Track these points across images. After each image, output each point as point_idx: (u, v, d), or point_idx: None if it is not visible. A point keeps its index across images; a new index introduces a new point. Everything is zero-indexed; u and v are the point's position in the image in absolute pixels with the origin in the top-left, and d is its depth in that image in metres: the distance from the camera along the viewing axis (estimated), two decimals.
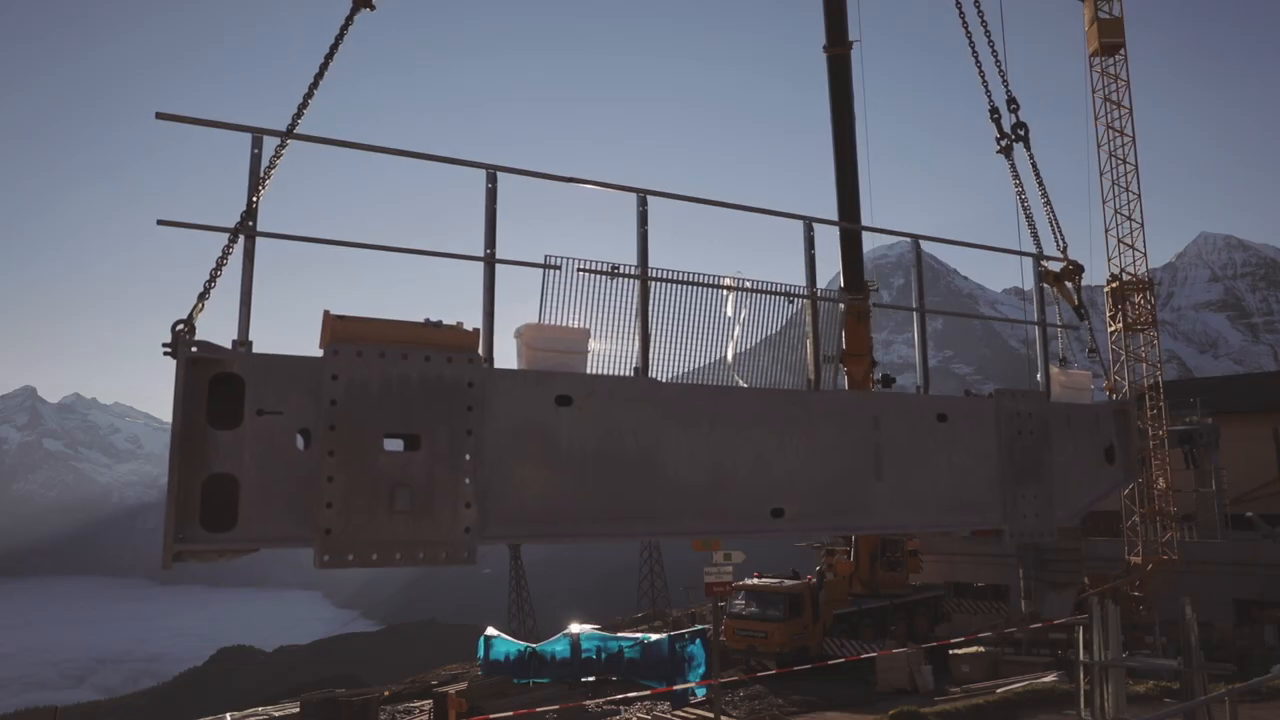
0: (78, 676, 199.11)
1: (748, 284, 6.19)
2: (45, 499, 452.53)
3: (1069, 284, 8.59)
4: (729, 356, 6.08)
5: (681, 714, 18.14)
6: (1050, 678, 19.04)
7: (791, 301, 6.44)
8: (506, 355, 5.35)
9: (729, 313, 6.11)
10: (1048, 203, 8.86)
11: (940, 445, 6.59)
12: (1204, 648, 12.98)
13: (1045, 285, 7.92)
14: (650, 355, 5.64)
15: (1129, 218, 25.18)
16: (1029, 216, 8.71)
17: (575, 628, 21.72)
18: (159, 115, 4.57)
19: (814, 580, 25.77)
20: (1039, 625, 22.87)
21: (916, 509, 6.45)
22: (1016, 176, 8.83)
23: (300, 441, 4.53)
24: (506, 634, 22.36)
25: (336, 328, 4.64)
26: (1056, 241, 8.67)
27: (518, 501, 4.98)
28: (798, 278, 6.49)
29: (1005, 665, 21.89)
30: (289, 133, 4.95)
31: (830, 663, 21.99)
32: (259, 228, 4.71)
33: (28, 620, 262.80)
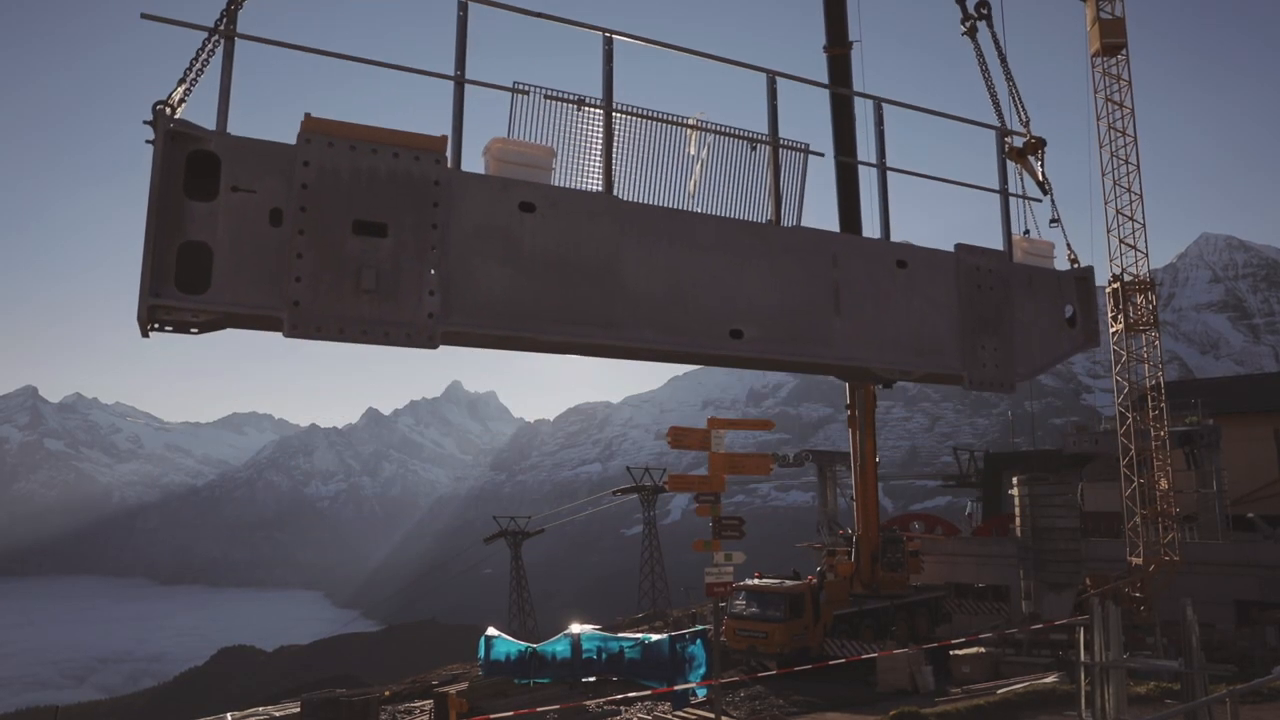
0: (78, 676, 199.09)
1: (711, 126, 6.31)
2: (46, 498, 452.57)
3: (1032, 158, 8.79)
4: (690, 187, 6.23)
5: (682, 714, 18.13)
6: (1051, 679, 19.03)
7: (754, 148, 6.49)
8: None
9: (691, 151, 6.25)
10: (1010, 79, 9.07)
11: (900, 290, 6.77)
12: (1205, 649, 12.96)
13: (1010, 160, 8.06)
14: (614, 187, 5.85)
15: (1130, 218, 25.17)
16: (993, 94, 8.89)
17: (576, 628, 21.70)
18: (144, 15, 4.79)
19: (815, 581, 25.77)
20: (1040, 626, 22.86)
21: (876, 348, 6.63)
22: (981, 56, 9.02)
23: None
24: (507, 634, 22.33)
25: (310, 122, 4.95)
26: (1019, 116, 8.86)
27: (480, 297, 5.24)
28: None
29: (1006, 666, 21.87)
30: None
31: (831, 663, 21.98)
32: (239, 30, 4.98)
33: (29, 620, 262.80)
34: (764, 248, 6.30)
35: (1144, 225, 25.21)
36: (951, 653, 22.02)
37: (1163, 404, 25.04)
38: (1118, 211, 25.26)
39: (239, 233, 4.71)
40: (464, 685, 21.69)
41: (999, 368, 7.10)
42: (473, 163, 5.57)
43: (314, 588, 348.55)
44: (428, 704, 20.74)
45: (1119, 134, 25.27)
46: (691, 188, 6.24)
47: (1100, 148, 25.51)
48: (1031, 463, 38.04)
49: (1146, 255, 25.16)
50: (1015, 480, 29.38)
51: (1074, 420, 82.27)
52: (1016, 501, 29.04)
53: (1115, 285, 25.31)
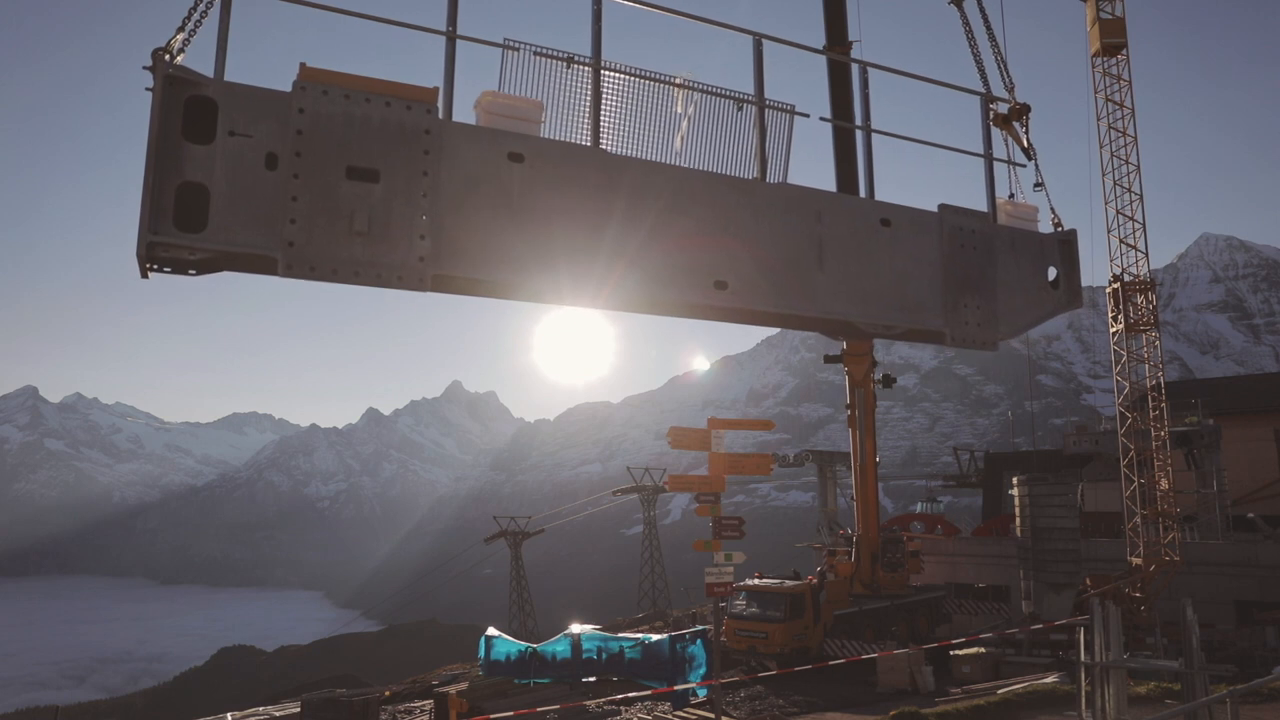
0: (78, 676, 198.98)
1: (698, 85, 6.43)
2: (46, 499, 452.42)
3: (1017, 124, 8.93)
4: (677, 144, 6.35)
5: (682, 714, 18.13)
6: (1051, 679, 19.04)
7: (740, 108, 6.60)
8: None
9: (679, 110, 6.36)
10: (995, 46, 9.18)
11: (883, 247, 6.89)
12: (1205, 649, 12.96)
13: (995, 127, 8.24)
14: (602, 142, 6.01)
15: (1131, 218, 25.15)
16: (978, 61, 8.99)
17: (576, 628, 21.69)
18: None
19: (815, 581, 25.76)
20: (1040, 626, 22.85)
21: (859, 303, 6.77)
22: (968, 25, 9.17)
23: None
24: (507, 634, 22.32)
25: (306, 72, 5.13)
26: (1005, 82, 8.94)
27: (469, 243, 5.41)
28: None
29: (1006, 666, 21.88)
30: None
31: (831, 663, 21.98)
32: None
33: (29, 620, 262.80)
34: (748, 202, 6.43)
35: (1144, 225, 25.19)
36: (952, 653, 22.02)
37: (1163, 404, 25.02)
38: (1118, 211, 25.24)
39: (235, 175, 4.85)
40: (464, 685, 21.70)
41: (981, 326, 7.22)
42: (464, 117, 5.72)
43: (314, 588, 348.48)
44: (428, 704, 20.75)
45: (1119, 134, 25.25)
46: (678, 144, 6.34)
47: (1100, 148, 25.50)
48: (1032, 463, 38.05)
49: (1147, 255, 25.15)
50: (1015, 480, 29.37)
51: (1074, 420, 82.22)
52: (1016, 502, 29.04)
53: (1115, 285, 25.29)
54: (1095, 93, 25.57)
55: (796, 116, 6.67)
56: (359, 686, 38.16)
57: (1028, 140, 8.68)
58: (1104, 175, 25.43)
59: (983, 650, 22.26)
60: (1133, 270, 25.16)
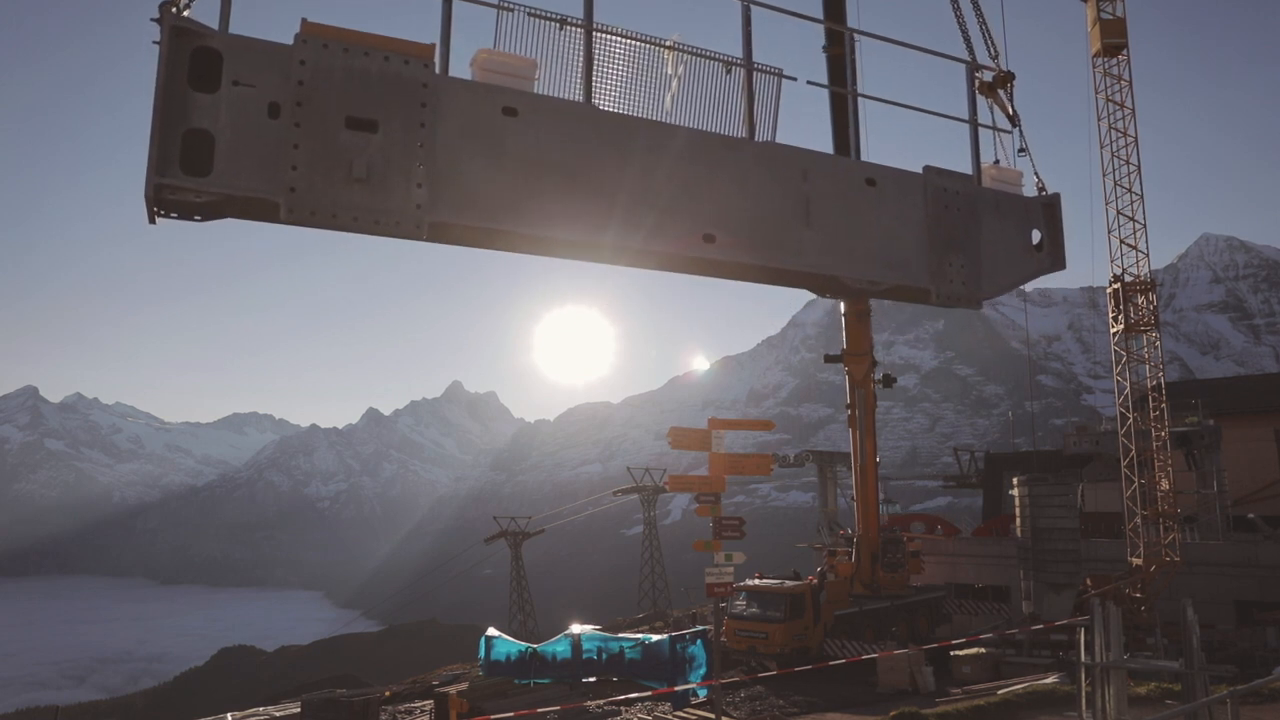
0: (78, 676, 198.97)
1: (688, 48, 6.61)
2: (46, 499, 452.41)
3: (1001, 92, 9.20)
4: (667, 103, 6.53)
5: (682, 714, 18.12)
6: (1051, 679, 19.02)
7: (729, 71, 6.73)
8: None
9: (669, 71, 6.55)
10: (980, 14, 9.45)
11: (869, 206, 7.08)
12: (1205, 649, 12.95)
13: (980, 95, 8.54)
14: (593, 100, 6.22)
15: (1131, 218, 25.15)
16: (964, 30, 9.25)
17: (576, 628, 21.69)
18: None
19: (815, 581, 25.75)
20: (1040, 626, 22.85)
21: (845, 259, 6.96)
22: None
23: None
24: (507, 634, 22.31)
25: (307, 26, 5.31)
26: (989, 51, 9.19)
27: (465, 192, 5.61)
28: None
29: (1006, 666, 21.87)
30: None
31: (831, 663, 21.97)
32: None
33: (29, 620, 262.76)
34: (736, 159, 6.59)
35: (1145, 225, 25.18)
36: (952, 653, 22.01)
37: (1163, 404, 25.01)
38: (1118, 212, 25.23)
39: (239, 123, 5.02)
40: (464, 685, 21.69)
41: (966, 284, 7.39)
42: (460, 74, 5.86)
43: (314, 588, 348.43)
44: (428, 704, 20.74)
45: (1120, 134, 25.24)
46: (668, 104, 6.52)
47: (1101, 148, 25.48)
48: (1032, 463, 38.00)
49: (1147, 256, 25.14)
50: (1015, 481, 29.37)
51: (1075, 421, 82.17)
52: (1016, 502, 29.03)
53: (1116, 286, 25.28)
54: (1096, 93, 25.57)
55: (784, 80, 6.84)
56: (359, 686, 38.15)
57: (1012, 107, 8.98)
58: (1104, 176, 25.43)
59: (983, 650, 22.25)
60: (1133, 270, 25.15)
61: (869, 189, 7.07)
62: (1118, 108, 25.28)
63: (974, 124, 7.92)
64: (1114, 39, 25.15)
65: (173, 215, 5.19)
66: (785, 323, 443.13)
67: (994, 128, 8.43)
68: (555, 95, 6.09)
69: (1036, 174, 8.34)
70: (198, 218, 5.27)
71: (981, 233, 7.50)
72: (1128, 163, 25.17)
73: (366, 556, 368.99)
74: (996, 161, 8.16)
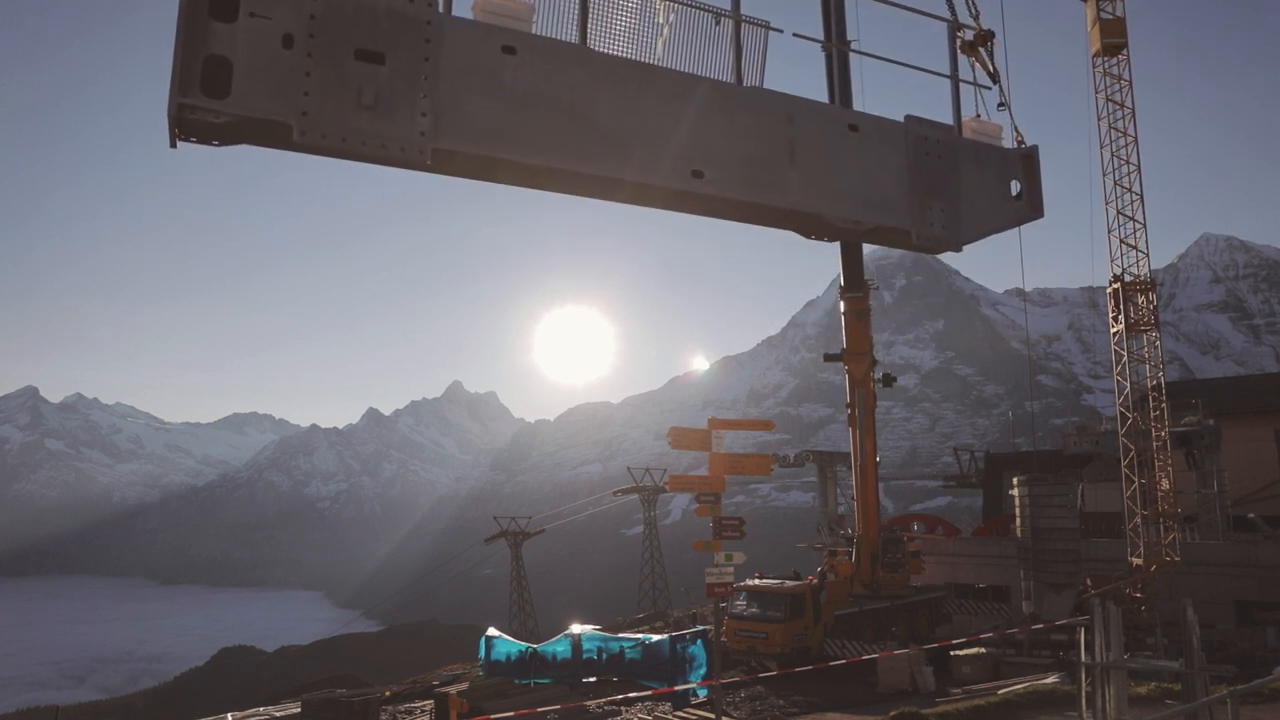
0: (79, 676, 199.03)
1: None
2: (47, 499, 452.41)
3: (983, 50, 9.63)
4: (659, 50, 6.86)
5: (682, 714, 18.12)
6: (1051, 679, 19.02)
7: (718, 22, 6.99)
8: None
9: (660, 19, 6.86)
10: None
11: (852, 150, 7.42)
12: (1205, 649, 12.94)
13: (962, 54, 8.98)
14: (588, 42, 6.60)
15: (1131, 218, 25.14)
16: None
17: (576, 628, 21.69)
18: None
19: (815, 581, 25.74)
20: (1040, 626, 22.84)
21: (829, 199, 7.30)
22: None
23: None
24: (507, 634, 22.31)
25: None
26: (970, 11, 9.50)
27: (466, 123, 5.99)
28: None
29: (1006, 666, 21.87)
30: None
31: (831, 664, 21.96)
32: None
33: (29, 620, 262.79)
34: (723, 100, 6.95)
35: (1145, 225, 25.18)
36: (952, 653, 22.00)
37: (1163, 404, 25.00)
38: (1119, 212, 25.23)
39: (255, 51, 5.36)
40: (464, 685, 21.70)
41: (946, 228, 7.73)
42: (463, 14, 6.18)
43: (314, 588, 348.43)
44: (428, 704, 20.73)
45: (1120, 134, 25.24)
46: (660, 50, 6.87)
47: (1101, 148, 25.47)
48: (1032, 463, 37.98)
49: (1147, 255, 25.13)
50: (1015, 481, 29.36)
51: (1075, 421, 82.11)
52: (1016, 502, 29.02)
53: (1116, 285, 25.28)
54: (1096, 93, 25.56)
55: (771, 32, 7.19)
56: (359, 686, 38.14)
57: (993, 65, 9.39)
58: (1104, 175, 25.42)
59: (983, 650, 22.25)
60: (1133, 270, 25.14)
61: (852, 134, 7.42)
62: (1118, 107, 25.28)
63: (955, 79, 8.32)
64: (1114, 39, 25.15)
65: (193, 139, 5.47)
66: (785, 323, 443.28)
67: (974, 83, 8.82)
68: (551, 37, 6.45)
69: (1016, 128, 8.68)
70: (216, 142, 5.55)
71: (961, 180, 7.82)
72: (1128, 162, 25.16)
73: (366, 556, 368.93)
74: (977, 115, 8.51)
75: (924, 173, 7.59)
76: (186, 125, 5.44)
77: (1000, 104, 9.12)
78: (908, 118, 7.74)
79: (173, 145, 5.46)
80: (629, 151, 6.51)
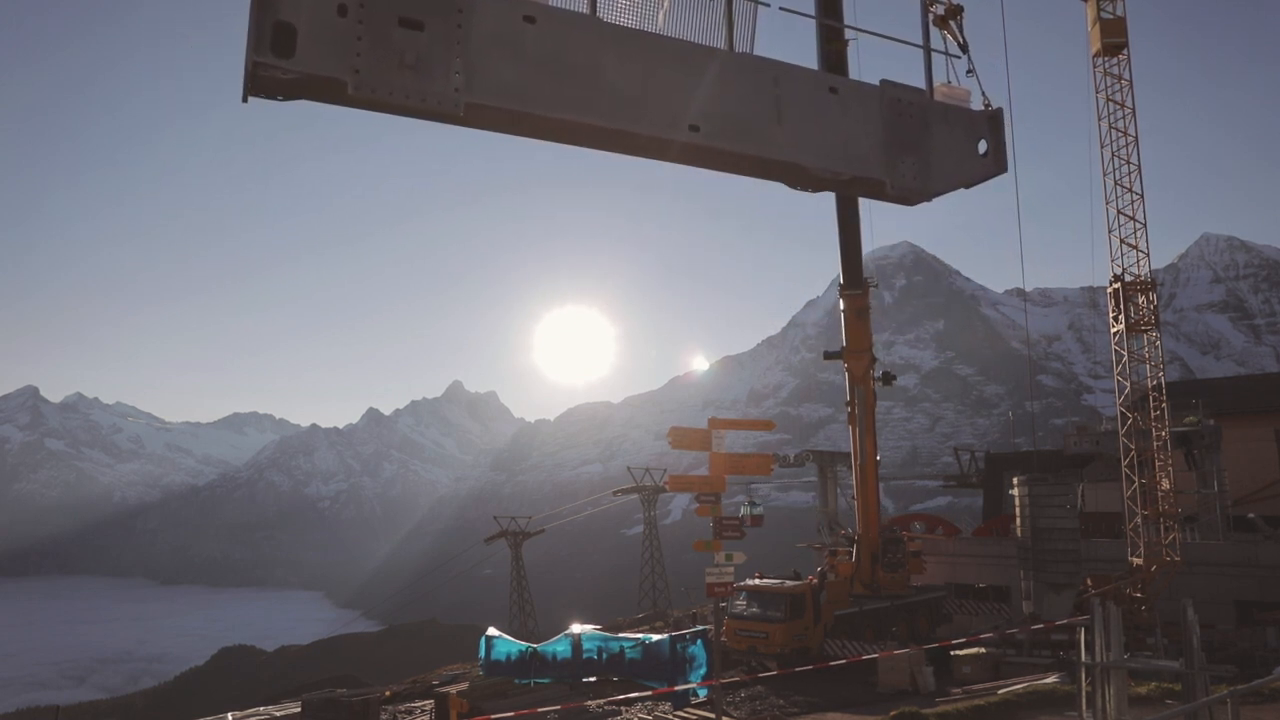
0: (79, 676, 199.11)
1: None
2: (47, 499, 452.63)
3: (954, 23, 10.62)
4: (660, 20, 7.69)
5: (682, 714, 18.13)
6: (1051, 679, 19.03)
7: None
8: None
9: None
10: None
11: (832, 110, 8.29)
12: (1205, 649, 12.95)
13: (935, 27, 9.84)
14: (597, 11, 7.49)
15: (1132, 218, 25.14)
16: None
17: (576, 628, 21.70)
18: None
19: (815, 581, 25.74)
20: (1040, 626, 22.84)
21: (813, 153, 8.17)
22: None
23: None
24: (507, 634, 22.32)
25: None
26: None
27: (494, 82, 6.93)
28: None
29: (1006, 666, 21.87)
30: None
31: (831, 663, 21.96)
32: None
33: (29, 620, 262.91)
34: (716, 63, 7.81)
35: (1145, 225, 25.18)
36: (952, 653, 22.01)
37: (1164, 404, 25.00)
38: (1119, 211, 25.23)
39: (316, 18, 6.33)
40: (464, 685, 21.72)
41: (917, 179, 8.55)
42: None
43: (314, 588, 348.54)
44: (428, 704, 20.74)
45: (1120, 134, 25.24)
46: (661, 20, 7.70)
47: (1101, 148, 25.48)
48: (1032, 463, 37.98)
49: (1148, 255, 25.13)
50: (1015, 481, 29.36)
51: (1075, 421, 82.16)
52: (1017, 502, 29.02)
53: (1116, 285, 25.27)
54: (1096, 93, 25.57)
55: (760, 6, 8.06)
56: (359, 686, 38.15)
57: (963, 37, 10.40)
58: (1105, 175, 25.42)
59: (983, 650, 22.25)
60: (1134, 270, 25.15)
61: (832, 95, 8.31)
62: (1118, 107, 25.28)
63: (927, 49, 9.21)
64: (1114, 38, 25.16)
65: (260, 94, 6.49)
66: (785, 323, 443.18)
67: (945, 53, 9.62)
68: (566, 8, 7.42)
69: (984, 93, 9.52)
70: (280, 97, 6.61)
71: (932, 138, 8.70)
72: (1128, 162, 25.17)
73: (366, 556, 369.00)
74: (948, 82, 9.32)
75: (897, 130, 8.48)
76: (258, 82, 6.37)
77: (969, 71, 9.94)
78: (883, 81, 8.59)
79: (244, 100, 6.50)
80: (636, 109, 7.45)
